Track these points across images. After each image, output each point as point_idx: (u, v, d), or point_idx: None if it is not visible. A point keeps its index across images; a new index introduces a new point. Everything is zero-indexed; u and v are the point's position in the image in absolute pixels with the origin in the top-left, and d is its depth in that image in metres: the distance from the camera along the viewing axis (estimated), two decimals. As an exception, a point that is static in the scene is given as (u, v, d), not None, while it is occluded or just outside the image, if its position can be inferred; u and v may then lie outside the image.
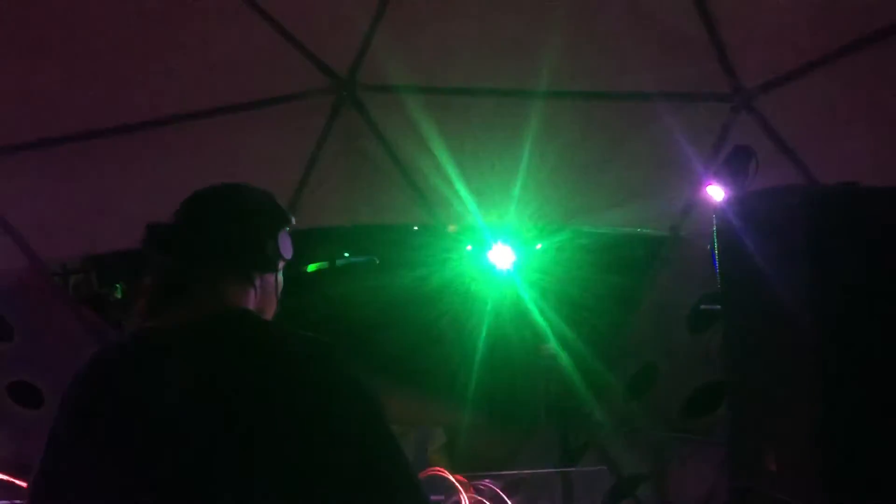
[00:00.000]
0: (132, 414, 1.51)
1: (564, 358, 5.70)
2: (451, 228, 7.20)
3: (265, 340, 1.59)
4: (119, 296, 7.66)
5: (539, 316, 5.81)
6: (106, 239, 5.47)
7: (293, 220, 1.90)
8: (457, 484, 3.65)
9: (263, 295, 1.77)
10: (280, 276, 1.86)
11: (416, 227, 9.11)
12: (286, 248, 1.82)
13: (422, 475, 3.86)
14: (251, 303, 1.72)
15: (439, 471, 3.82)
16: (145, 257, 1.71)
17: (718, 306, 3.56)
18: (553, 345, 5.80)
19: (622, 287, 6.30)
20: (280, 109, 4.96)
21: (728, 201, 3.38)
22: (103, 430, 1.52)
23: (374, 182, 5.42)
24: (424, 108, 5.01)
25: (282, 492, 1.42)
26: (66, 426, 1.57)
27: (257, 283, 1.74)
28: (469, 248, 7.93)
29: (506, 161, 5.12)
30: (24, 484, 3.45)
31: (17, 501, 3.82)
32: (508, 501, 3.66)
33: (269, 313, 1.80)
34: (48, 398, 5.31)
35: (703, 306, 4.61)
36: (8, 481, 3.82)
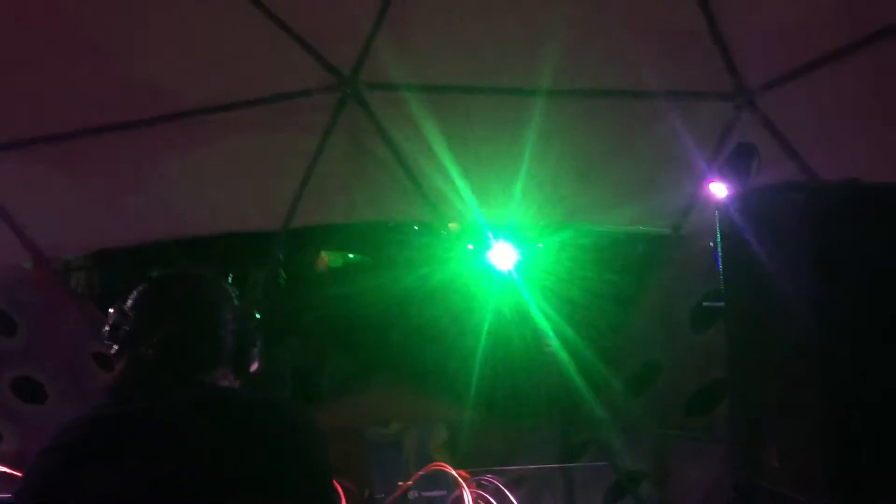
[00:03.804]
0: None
1: (565, 356, 5.72)
2: (453, 227, 7.22)
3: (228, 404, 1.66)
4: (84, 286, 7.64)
5: (539, 314, 5.82)
6: (109, 235, 5.49)
7: (256, 315, 1.91)
8: (459, 479, 3.67)
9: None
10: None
11: (416, 227, 9.14)
12: (253, 358, 1.86)
13: (424, 470, 3.88)
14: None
15: (442, 466, 3.84)
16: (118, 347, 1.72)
17: (721, 303, 3.57)
18: (553, 342, 5.81)
19: (623, 285, 6.32)
20: (283, 107, 4.97)
21: (730, 198, 3.39)
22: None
23: (377, 180, 5.43)
24: (427, 106, 5.02)
25: None
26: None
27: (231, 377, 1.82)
28: (470, 247, 7.95)
29: (508, 159, 5.13)
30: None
31: (21, 496, 3.83)
32: (511, 496, 3.67)
33: None
34: (51, 393, 5.32)
35: (705, 303, 4.62)
36: (10, 475, 3.83)
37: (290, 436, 1.62)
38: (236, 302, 1.82)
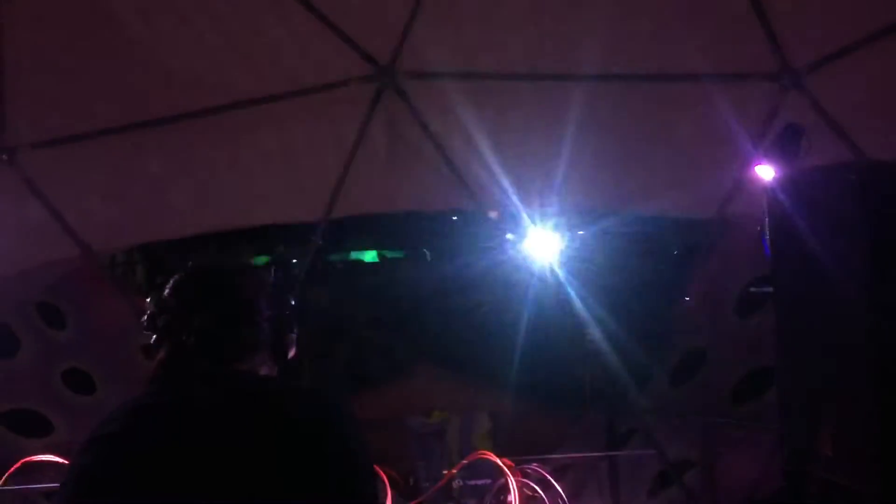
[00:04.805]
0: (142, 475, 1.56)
1: (607, 344, 5.66)
2: (494, 215, 7.19)
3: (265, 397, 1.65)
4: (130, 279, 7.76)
5: (580, 303, 5.77)
6: (155, 229, 5.57)
7: (293, 302, 1.90)
8: (504, 467, 3.65)
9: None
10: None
11: (454, 217, 9.13)
12: (291, 346, 1.85)
13: (469, 459, 3.87)
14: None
15: (487, 454, 3.82)
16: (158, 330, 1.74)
17: (768, 289, 3.50)
18: (595, 331, 5.76)
19: (666, 273, 6.24)
20: (323, 97, 4.97)
21: (779, 180, 3.31)
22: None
23: (416, 169, 5.41)
24: (465, 94, 4.99)
25: None
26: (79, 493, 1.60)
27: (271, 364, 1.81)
28: (510, 236, 7.92)
29: (548, 147, 5.08)
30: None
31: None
32: (556, 485, 3.65)
33: None
34: (100, 385, 5.42)
35: (752, 289, 4.53)
36: (63, 464, 3.91)
37: (329, 426, 1.62)
38: (272, 290, 1.83)
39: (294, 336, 1.85)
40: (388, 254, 8.85)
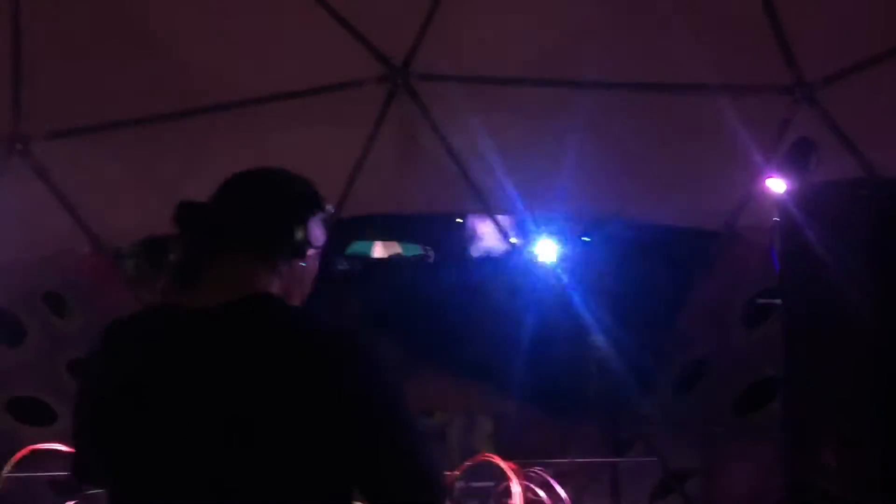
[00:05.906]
0: (146, 397, 1.53)
1: (611, 350, 5.67)
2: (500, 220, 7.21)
3: (284, 328, 1.55)
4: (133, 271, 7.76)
5: (585, 309, 5.78)
6: (164, 222, 5.57)
7: (329, 209, 1.82)
8: (508, 471, 3.66)
9: (290, 281, 1.70)
10: (313, 264, 1.76)
11: (459, 220, 9.14)
12: (316, 237, 1.74)
13: (473, 461, 3.89)
14: (274, 288, 1.67)
15: (491, 457, 3.84)
16: (175, 235, 1.73)
17: (776, 301, 3.52)
18: (599, 337, 5.77)
19: (672, 281, 6.25)
20: (335, 97, 4.99)
21: (790, 194, 3.33)
22: (117, 416, 1.56)
23: (426, 171, 5.43)
24: (476, 97, 5.01)
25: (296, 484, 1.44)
26: (84, 408, 1.65)
27: (283, 269, 1.69)
28: (515, 240, 7.93)
29: (558, 153, 5.10)
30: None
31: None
32: (559, 489, 3.67)
33: (296, 300, 1.72)
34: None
35: (759, 301, 4.55)
36: (64, 452, 3.93)
37: (356, 346, 1.52)
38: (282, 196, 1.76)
39: (302, 236, 1.72)
40: (407, 251, 8.83)
